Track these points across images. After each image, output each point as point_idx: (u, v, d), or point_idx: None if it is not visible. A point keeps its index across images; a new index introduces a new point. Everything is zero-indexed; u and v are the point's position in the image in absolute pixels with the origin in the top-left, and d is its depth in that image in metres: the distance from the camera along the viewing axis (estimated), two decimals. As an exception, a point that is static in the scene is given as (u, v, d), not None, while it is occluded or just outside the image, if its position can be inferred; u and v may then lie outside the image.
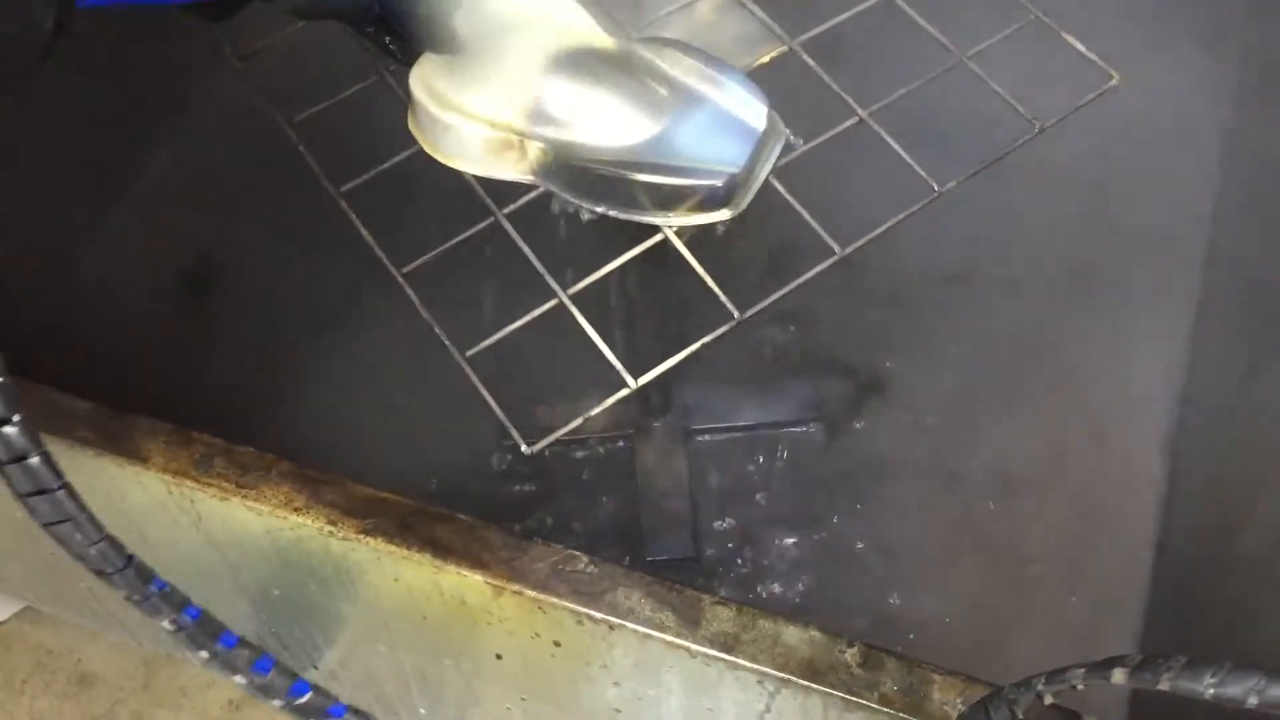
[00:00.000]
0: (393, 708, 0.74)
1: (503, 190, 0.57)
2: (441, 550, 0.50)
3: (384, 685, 0.71)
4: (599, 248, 0.57)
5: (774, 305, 0.55)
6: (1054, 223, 1.05)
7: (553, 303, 0.54)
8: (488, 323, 0.54)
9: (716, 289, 0.55)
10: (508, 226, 0.57)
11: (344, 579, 0.56)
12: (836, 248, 0.56)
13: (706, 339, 0.54)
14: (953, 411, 0.98)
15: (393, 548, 0.50)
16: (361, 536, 0.51)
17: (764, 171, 0.55)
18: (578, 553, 0.50)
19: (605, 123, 0.54)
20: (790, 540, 0.93)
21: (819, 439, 0.97)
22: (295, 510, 0.51)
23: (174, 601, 0.42)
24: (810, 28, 0.61)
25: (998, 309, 1.03)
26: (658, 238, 0.56)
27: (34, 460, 0.36)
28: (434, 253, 0.56)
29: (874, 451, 0.97)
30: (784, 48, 0.60)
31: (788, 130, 0.56)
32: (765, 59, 0.60)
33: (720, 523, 0.94)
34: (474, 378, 0.53)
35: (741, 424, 0.98)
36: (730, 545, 0.93)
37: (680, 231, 0.56)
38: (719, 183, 0.53)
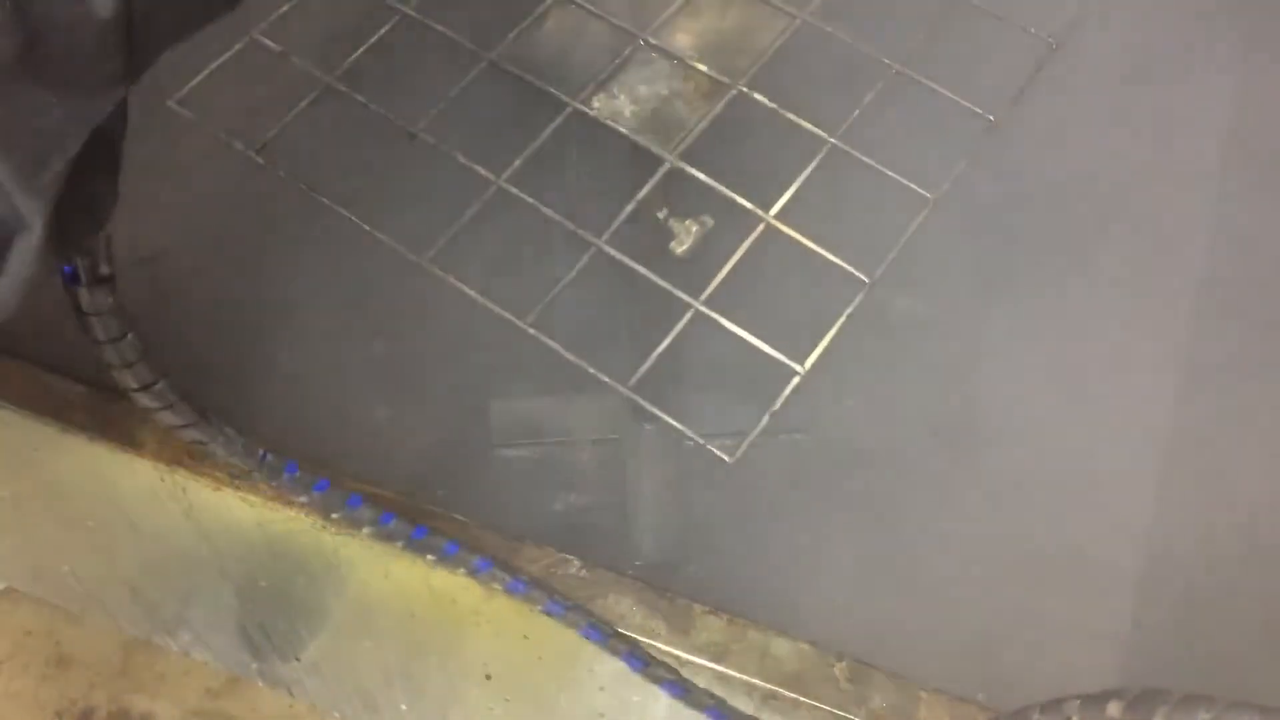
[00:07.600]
0: (374, 703, 0.73)
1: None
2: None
3: (366, 680, 0.70)
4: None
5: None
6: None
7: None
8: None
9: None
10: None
11: (333, 573, 0.55)
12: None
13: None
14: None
15: (386, 544, 0.50)
16: (354, 531, 0.50)
17: None
18: (570, 556, 0.50)
19: None
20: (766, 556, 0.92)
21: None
22: (289, 503, 0.51)
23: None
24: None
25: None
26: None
27: None
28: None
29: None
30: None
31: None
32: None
33: (704, 529, 0.93)
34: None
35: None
36: (714, 553, 0.92)
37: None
38: None
